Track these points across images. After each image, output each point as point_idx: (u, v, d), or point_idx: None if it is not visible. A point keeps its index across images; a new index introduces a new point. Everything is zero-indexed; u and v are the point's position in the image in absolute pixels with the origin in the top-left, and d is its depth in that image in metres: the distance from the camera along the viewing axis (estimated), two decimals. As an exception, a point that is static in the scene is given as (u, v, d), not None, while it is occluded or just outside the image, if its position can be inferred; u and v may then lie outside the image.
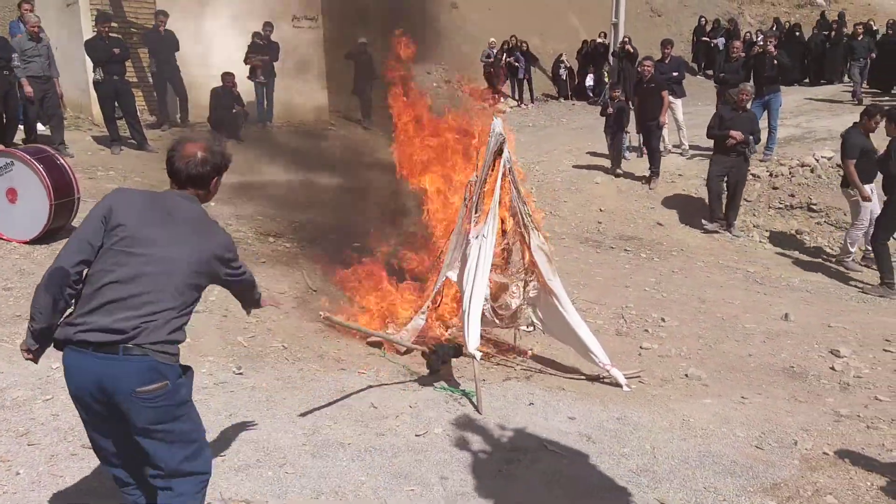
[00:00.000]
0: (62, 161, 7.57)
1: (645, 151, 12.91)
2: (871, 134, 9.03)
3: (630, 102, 13.58)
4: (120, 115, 11.62)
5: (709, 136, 10.94)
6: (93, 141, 12.00)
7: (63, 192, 7.27)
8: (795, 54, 20.71)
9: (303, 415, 4.58)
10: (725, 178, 10.68)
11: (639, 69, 12.69)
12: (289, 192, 10.65)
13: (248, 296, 3.46)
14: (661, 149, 13.46)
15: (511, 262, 5.98)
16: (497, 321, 5.80)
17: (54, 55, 10.83)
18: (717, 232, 10.71)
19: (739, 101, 10.55)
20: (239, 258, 3.17)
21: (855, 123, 9.26)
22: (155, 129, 12.99)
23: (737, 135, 10.27)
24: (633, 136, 13.46)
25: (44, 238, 7.34)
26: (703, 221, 10.85)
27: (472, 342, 5.11)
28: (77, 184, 7.49)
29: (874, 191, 8.98)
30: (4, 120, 9.92)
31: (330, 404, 4.77)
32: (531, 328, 6.11)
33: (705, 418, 4.76)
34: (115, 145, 11.40)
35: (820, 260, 9.93)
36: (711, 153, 11.00)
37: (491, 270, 5.57)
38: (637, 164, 13.09)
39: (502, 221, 5.71)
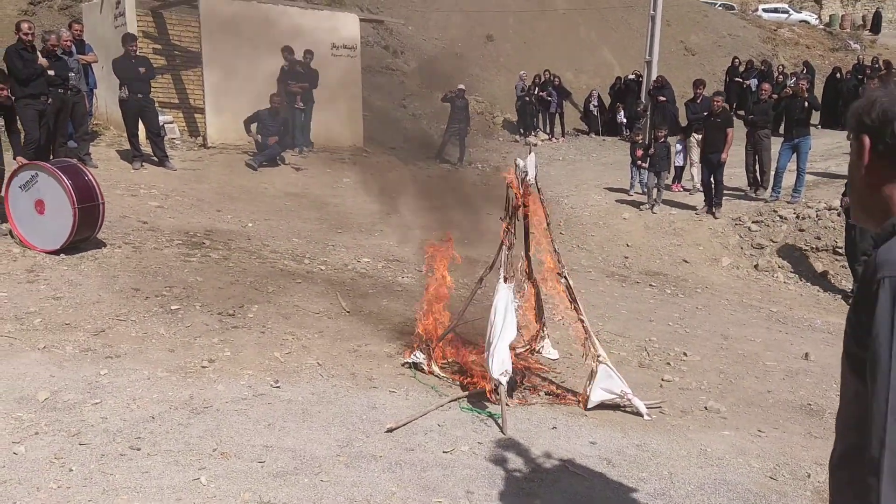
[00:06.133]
0: (84, 169, 7.92)
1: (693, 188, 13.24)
2: None
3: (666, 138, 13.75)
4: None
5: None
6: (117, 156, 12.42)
7: (85, 197, 7.55)
8: (832, 97, 20.92)
9: (390, 430, 4.80)
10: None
11: (713, 102, 12.84)
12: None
13: None
14: (691, 187, 13.79)
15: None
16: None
17: (102, 72, 11.31)
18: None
19: None
20: None
21: None
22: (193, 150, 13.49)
23: None
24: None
25: (71, 249, 7.65)
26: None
27: (497, 369, 5.32)
28: (100, 190, 7.79)
29: None
30: (53, 136, 10.33)
31: (412, 420, 5.01)
32: (554, 357, 6.35)
33: (722, 449, 4.94)
34: (137, 161, 11.85)
35: (842, 302, 10.03)
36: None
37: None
38: (675, 197, 13.41)
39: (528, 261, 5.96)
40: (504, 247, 5.75)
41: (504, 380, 5.33)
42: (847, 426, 1.78)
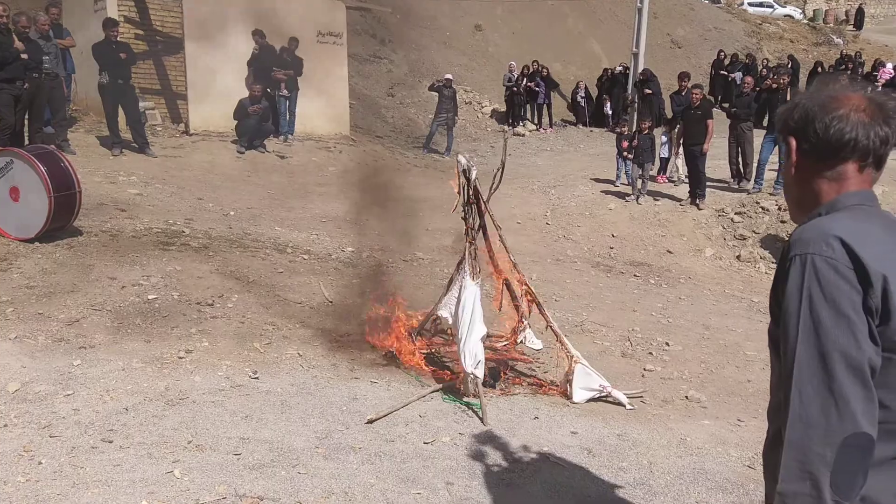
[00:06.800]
0: (61, 156, 7.75)
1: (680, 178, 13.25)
2: None
3: (651, 130, 13.73)
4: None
5: None
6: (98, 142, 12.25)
7: (62, 186, 7.38)
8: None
9: (370, 422, 4.75)
10: None
11: (691, 95, 12.83)
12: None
13: None
14: (675, 179, 13.79)
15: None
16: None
17: (81, 57, 11.10)
18: None
19: None
20: None
21: None
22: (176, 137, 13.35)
23: None
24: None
25: (46, 237, 7.50)
26: None
27: (470, 363, 5.26)
28: (77, 178, 7.62)
29: None
30: (27, 122, 10.09)
31: (393, 411, 4.96)
32: (538, 347, 6.31)
33: (702, 438, 4.93)
34: (116, 147, 11.68)
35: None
36: None
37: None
38: (660, 188, 13.41)
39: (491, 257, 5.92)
40: (468, 244, 5.67)
41: (479, 372, 5.28)
42: (775, 409, 1.84)
